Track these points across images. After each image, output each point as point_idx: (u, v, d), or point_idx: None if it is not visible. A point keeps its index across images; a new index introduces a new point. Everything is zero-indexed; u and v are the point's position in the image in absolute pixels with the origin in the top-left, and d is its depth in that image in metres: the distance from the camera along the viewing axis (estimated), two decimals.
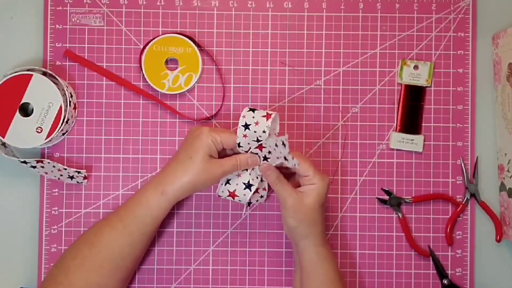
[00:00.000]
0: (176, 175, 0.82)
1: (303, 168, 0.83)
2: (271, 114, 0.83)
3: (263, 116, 0.82)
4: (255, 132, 0.82)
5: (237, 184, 0.84)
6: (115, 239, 0.82)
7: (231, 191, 0.85)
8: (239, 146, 0.83)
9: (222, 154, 0.85)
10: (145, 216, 0.83)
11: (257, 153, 0.84)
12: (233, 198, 0.85)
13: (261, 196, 0.88)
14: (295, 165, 0.82)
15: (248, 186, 0.84)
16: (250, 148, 0.83)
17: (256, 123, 0.82)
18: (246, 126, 0.82)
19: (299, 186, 0.85)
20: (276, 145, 0.82)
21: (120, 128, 0.93)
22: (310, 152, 0.94)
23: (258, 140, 0.83)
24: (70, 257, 0.83)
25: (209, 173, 0.82)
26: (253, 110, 0.83)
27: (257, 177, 0.85)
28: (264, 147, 0.83)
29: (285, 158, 0.82)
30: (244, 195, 0.85)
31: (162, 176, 0.83)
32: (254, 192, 0.87)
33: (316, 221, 0.84)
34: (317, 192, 0.83)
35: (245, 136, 0.83)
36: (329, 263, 0.85)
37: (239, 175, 0.85)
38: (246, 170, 0.85)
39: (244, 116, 0.83)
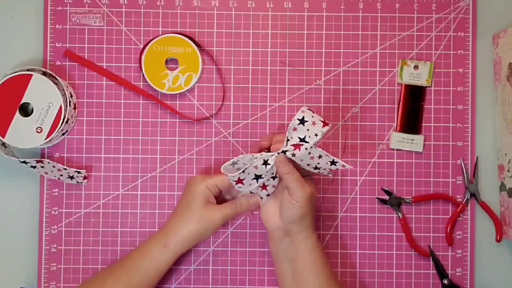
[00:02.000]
0: (176, 227, 0.84)
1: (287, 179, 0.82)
2: (328, 123, 0.82)
3: (321, 121, 0.81)
4: (308, 130, 0.81)
5: (248, 173, 0.81)
6: None
7: (241, 178, 0.81)
8: (287, 140, 0.81)
9: (221, 199, 0.87)
10: (148, 269, 0.84)
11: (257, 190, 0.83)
12: (237, 184, 0.82)
13: (267, 195, 0.85)
14: (331, 170, 0.83)
15: (257, 177, 0.82)
16: (250, 186, 0.82)
17: (313, 123, 0.81)
18: (302, 121, 0.80)
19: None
20: (319, 156, 0.81)
21: (120, 128, 0.93)
22: None
23: (302, 140, 0.80)
24: None
25: (209, 220, 0.83)
26: (312, 111, 0.82)
27: (272, 177, 0.83)
28: (267, 186, 0.82)
29: (315, 168, 0.82)
30: (250, 184, 0.82)
31: (165, 229, 0.85)
32: (262, 188, 0.84)
33: (312, 212, 0.84)
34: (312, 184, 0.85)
35: (295, 129, 0.80)
36: (322, 250, 0.85)
37: (256, 167, 0.81)
38: (265, 165, 0.81)
39: (303, 111, 0.81)
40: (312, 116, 0.81)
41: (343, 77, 0.94)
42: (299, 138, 0.81)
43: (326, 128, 0.81)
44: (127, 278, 0.83)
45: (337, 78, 0.94)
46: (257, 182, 0.83)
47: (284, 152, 0.81)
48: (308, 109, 0.82)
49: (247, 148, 0.93)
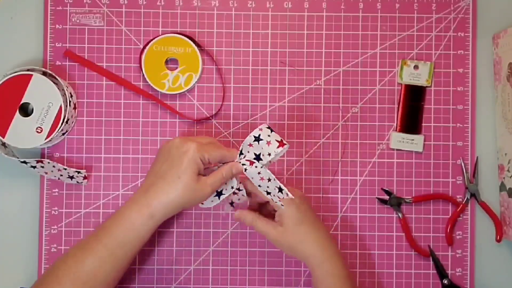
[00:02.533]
0: (164, 196, 0.78)
1: (260, 195, 0.83)
2: (285, 144, 0.81)
3: (277, 141, 0.81)
4: (262, 148, 0.81)
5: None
6: (99, 267, 0.78)
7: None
8: (240, 153, 0.82)
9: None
10: (133, 240, 0.79)
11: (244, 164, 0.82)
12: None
13: (243, 195, 0.86)
14: (276, 202, 0.83)
15: (218, 194, 0.83)
16: (244, 156, 0.82)
17: (268, 143, 0.81)
18: (258, 139, 0.81)
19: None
20: (268, 179, 0.81)
21: (120, 128, 0.93)
22: (310, 152, 0.94)
23: (257, 157, 0.81)
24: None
25: (199, 192, 0.79)
26: (271, 129, 0.82)
27: (231, 187, 0.84)
28: (256, 164, 0.82)
29: (267, 193, 0.83)
30: (212, 201, 0.84)
31: (148, 196, 0.78)
32: (234, 193, 0.86)
33: (301, 241, 0.83)
34: (286, 215, 0.82)
35: (250, 145, 0.81)
36: (331, 278, 0.83)
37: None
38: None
39: (261, 129, 0.81)
40: (269, 136, 0.81)
41: (343, 77, 0.94)
42: (255, 154, 0.81)
43: (281, 149, 0.80)
44: (108, 253, 0.78)
45: (337, 78, 0.94)
46: (219, 198, 0.84)
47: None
48: (268, 127, 0.82)
49: None
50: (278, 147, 0.81)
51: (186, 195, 0.78)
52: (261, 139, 0.81)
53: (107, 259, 0.78)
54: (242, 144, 0.82)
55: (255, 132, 0.81)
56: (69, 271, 0.78)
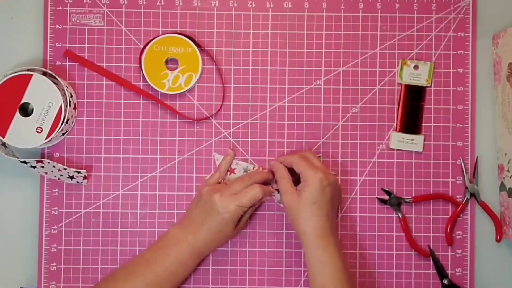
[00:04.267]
0: (210, 242, 0.88)
1: (296, 165, 0.87)
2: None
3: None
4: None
5: None
6: None
7: None
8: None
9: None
10: (183, 274, 0.88)
11: None
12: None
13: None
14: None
15: None
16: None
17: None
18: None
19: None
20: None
21: (120, 128, 0.93)
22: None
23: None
24: None
25: (235, 235, 0.90)
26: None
27: None
28: None
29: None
30: None
31: (197, 241, 0.87)
32: None
33: (309, 220, 0.84)
34: (308, 189, 0.84)
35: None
36: (322, 268, 0.84)
37: None
38: None
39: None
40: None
41: (343, 77, 0.94)
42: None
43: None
44: (159, 282, 0.86)
45: (337, 78, 0.94)
46: None
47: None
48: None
49: (247, 148, 0.93)
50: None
51: (226, 239, 0.90)
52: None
53: (157, 287, 0.86)
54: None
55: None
56: None
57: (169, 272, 0.86)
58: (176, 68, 0.92)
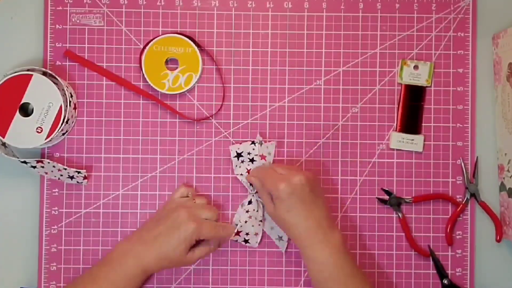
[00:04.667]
0: (159, 259, 0.85)
1: (261, 186, 0.88)
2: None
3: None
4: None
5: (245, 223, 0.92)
6: None
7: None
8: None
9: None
10: (124, 284, 0.85)
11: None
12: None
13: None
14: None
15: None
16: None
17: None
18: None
19: None
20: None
21: (120, 128, 0.93)
22: (310, 152, 0.94)
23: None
24: None
25: (186, 262, 0.87)
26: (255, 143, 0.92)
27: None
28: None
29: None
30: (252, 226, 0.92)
31: (146, 255, 0.85)
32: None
33: (289, 227, 0.85)
34: (277, 201, 0.85)
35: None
36: (315, 264, 0.84)
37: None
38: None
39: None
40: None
41: (343, 77, 0.94)
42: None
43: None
44: None
45: (337, 78, 0.94)
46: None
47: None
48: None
49: None
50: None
51: (176, 263, 0.87)
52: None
53: None
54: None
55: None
56: None
57: (113, 286, 0.84)
58: (176, 68, 0.92)
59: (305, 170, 0.91)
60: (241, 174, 0.91)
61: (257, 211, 0.91)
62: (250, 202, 0.91)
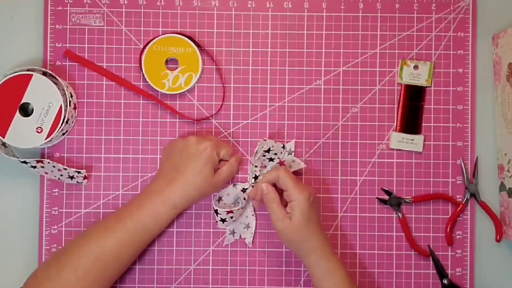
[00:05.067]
0: (186, 191, 0.85)
1: (282, 181, 0.86)
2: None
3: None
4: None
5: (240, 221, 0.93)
6: (120, 249, 0.83)
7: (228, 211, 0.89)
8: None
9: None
10: (155, 227, 0.85)
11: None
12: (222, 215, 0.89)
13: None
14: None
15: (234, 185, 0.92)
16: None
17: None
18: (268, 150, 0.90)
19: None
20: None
21: (120, 128, 0.93)
22: (310, 152, 0.94)
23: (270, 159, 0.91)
24: (69, 268, 0.81)
25: (215, 185, 0.88)
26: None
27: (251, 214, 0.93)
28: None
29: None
30: (228, 194, 0.92)
31: (172, 190, 0.85)
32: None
33: (306, 238, 0.84)
34: (299, 208, 0.84)
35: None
36: (332, 277, 0.84)
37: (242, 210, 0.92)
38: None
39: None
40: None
41: (343, 77, 0.94)
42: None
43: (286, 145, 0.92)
44: (130, 236, 0.83)
45: (337, 78, 0.94)
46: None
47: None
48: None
49: (247, 148, 0.93)
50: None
51: (204, 189, 0.86)
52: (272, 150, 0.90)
53: (128, 243, 0.83)
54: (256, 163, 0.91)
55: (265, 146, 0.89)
56: (89, 249, 0.82)
57: (140, 225, 0.83)
58: (176, 68, 0.92)
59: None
60: (256, 166, 0.90)
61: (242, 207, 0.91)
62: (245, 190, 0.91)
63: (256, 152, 0.91)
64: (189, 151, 0.85)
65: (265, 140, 0.91)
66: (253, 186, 0.90)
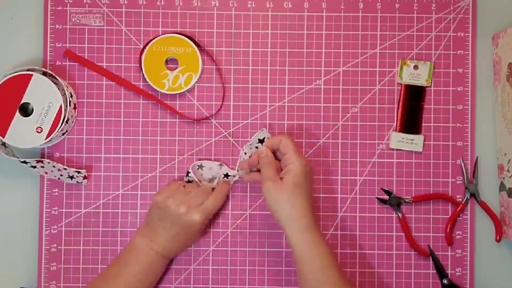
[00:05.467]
0: (179, 250, 0.90)
1: (284, 145, 0.86)
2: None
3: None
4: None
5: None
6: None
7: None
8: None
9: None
10: (152, 280, 0.89)
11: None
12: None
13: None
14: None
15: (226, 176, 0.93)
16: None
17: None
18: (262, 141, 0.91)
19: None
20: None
21: (120, 128, 0.93)
22: (310, 152, 0.94)
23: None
24: None
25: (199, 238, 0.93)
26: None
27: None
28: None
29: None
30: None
31: (166, 250, 0.87)
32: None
33: (293, 204, 0.83)
34: (293, 172, 0.84)
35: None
36: (317, 248, 0.83)
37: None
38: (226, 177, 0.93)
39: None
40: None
41: (343, 77, 0.94)
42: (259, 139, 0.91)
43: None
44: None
45: (337, 78, 0.94)
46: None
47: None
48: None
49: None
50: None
51: (192, 244, 0.93)
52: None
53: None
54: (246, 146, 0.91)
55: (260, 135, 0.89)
56: None
57: (140, 279, 0.86)
58: (176, 68, 0.92)
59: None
60: (245, 153, 0.91)
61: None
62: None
63: (251, 141, 0.92)
64: (183, 224, 0.87)
65: (263, 130, 0.91)
66: (240, 177, 0.92)
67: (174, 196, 0.87)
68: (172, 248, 0.88)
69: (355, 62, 0.94)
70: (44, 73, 0.89)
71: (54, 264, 0.92)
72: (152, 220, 0.88)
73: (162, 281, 0.92)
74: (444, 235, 0.94)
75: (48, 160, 0.88)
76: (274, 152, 0.89)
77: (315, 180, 0.93)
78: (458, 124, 0.94)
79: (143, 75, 0.92)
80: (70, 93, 0.90)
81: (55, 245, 0.92)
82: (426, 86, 0.94)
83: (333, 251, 0.85)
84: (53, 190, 0.92)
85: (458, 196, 0.94)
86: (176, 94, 0.93)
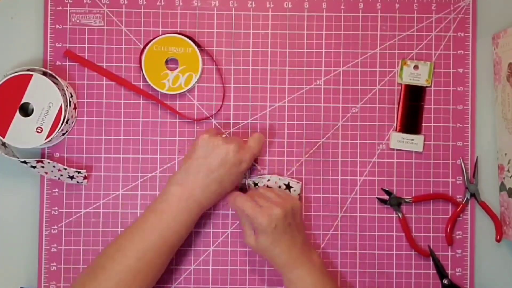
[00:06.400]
0: (215, 198, 0.87)
1: (243, 214, 0.86)
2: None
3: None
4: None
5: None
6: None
7: None
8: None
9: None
10: (184, 233, 0.86)
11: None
12: None
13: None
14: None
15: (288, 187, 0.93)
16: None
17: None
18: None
19: None
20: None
21: (120, 128, 0.93)
22: (310, 152, 0.94)
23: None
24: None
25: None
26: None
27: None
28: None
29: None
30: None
31: (196, 196, 0.84)
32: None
33: (273, 257, 0.85)
34: (260, 235, 0.84)
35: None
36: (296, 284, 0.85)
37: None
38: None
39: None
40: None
41: (343, 77, 0.94)
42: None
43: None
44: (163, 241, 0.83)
45: (337, 78, 0.94)
46: None
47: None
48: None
49: None
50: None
51: (227, 193, 0.89)
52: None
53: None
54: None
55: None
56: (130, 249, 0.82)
57: (176, 230, 0.84)
58: (176, 68, 0.92)
59: (287, 198, 0.88)
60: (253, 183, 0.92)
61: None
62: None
63: (261, 182, 0.92)
64: (228, 160, 0.85)
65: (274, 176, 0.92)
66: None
67: (220, 136, 0.87)
68: (211, 196, 0.85)
69: (355, 62, 0.94)
70: (44, 73, 0.89)
71: (54, 264, 0.92)
72: (197, 158, 0.85)
73: (162, 281, 0.92)
74: (444, 235, 0.94)
75: (48, 160, 0.88)
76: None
77: (315, 180, 0.93)
78: (458, 124, 0.94)
79: (143, 75, 0.92)
80: (70, 93, 0.90)
81: (55, 245, 0.92)
82: (426, 86, 0.94)
83: (322, 280, 0.85)
84: (53, 190, 0.92)
85: (458, 196, 0.94)
86: (176, 94, 0.93)
